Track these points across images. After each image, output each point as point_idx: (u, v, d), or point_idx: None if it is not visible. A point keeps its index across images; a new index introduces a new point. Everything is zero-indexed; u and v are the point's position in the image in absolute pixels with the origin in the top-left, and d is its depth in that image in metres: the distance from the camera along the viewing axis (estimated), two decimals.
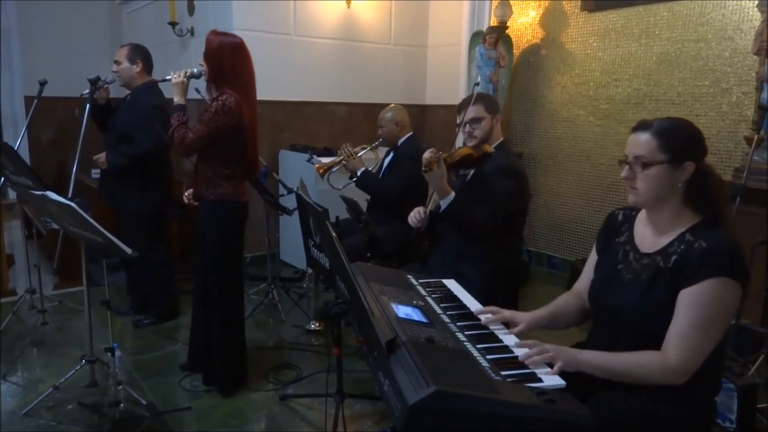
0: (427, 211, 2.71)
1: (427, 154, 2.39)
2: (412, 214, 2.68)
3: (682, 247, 1.54)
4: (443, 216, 2.55)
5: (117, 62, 3.50)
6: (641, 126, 1.61)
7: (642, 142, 1.57)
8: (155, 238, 3.64)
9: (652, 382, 1.49)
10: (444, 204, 2.49)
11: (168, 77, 2.75)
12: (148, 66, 3.56)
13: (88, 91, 3.11)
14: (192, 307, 3.04)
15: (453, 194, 2.48)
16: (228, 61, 2.65)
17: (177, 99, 2.69)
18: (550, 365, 1.49)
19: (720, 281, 1.45)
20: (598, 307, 1.74)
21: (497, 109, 2.72)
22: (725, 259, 1.46)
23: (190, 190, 2.95)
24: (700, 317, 1.46)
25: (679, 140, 1.56)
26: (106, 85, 3.37)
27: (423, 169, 2.37)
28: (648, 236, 1.66)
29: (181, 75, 2.69)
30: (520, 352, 1.56)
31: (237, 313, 2.90)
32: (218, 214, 2.75)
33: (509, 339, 1.68)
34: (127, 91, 3.59)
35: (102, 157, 3.46)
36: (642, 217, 1.72)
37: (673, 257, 1.55)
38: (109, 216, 3.63)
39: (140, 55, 3.52)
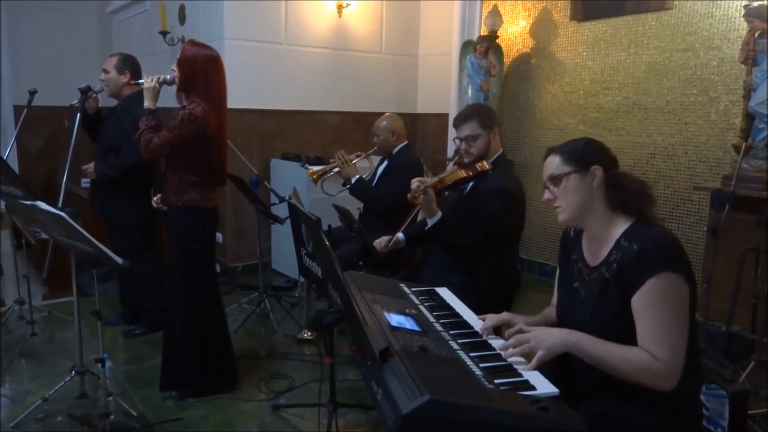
0: (394, 238, 2.86)
1: (414, 185, 2.45)
2: (377, 243, 2.90)
3: (620, 253, 1.58)
4: (428, 233, 2.57)
5: (105, 71, 3.49)
6: (548, 152, 1.76)
7: (549, 163, 1.72)
8: (147, 247, 3.62)
9: (637, 381, 1.48)
10: (430, 223, 2.52)
11: (140, 81, 2.79)
12: (136, 76, 3.51)
13: (77, 100, 3.10)
14: None
15: (439, 215, 2.51)
16: (201, 71, 2.69)
17: (147, 103, 2.72)
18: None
19: (660, 278, 1.48)
20: (566, 324, 1.75)
21: (493, 123, 2.67)
22: (657, 256, 1.50)
23: (159, 196, 3.00)
24: (658, 317, 1.48)
25: (578, 150, 1.69)
26: (95, 95, 3.36)
27: (409, 200, 2.46)
28: (592, 250, 1.71)
29: (153, 80, 2.72)
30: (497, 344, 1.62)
31: (210, 318, 2.89)
32: (186, 220, 2.78)
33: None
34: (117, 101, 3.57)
35: (91, 167, 3.45)
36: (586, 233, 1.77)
37: (614, 265, 1.58)
38: (99, 225, 3.60)
39: (129, 65, 3.51)
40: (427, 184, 2.47)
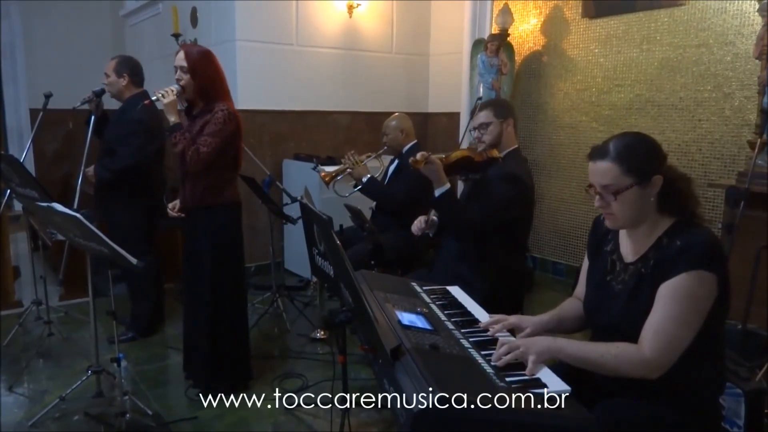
0: (429, 218, 2.77)
1: (418, 155, 2.47)
2: (414, 223, 2.79)
3: (660, 250, 1.56)
4: (434, 203, 2.58)
5: (106, 75, 3.51)
6: (597, 154, 1.59)
7: (605, 170, 1.56)
8: (143, 252, 3.50)
9: (626, 374, 1.48)
10: (438, 192, 2.53)
11: (154, 98, 2.71)
12: (135, 78, 3.52)
13: (80, 103, 3.19)
14: (184, 315, 3.03)
15: (448, 185, 2.52)
16: (214, 70, 2.74)
17: (173, 119, 2.68)
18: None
19: (695, 274, 1.46)
20: (594, 319, 1.75)
21: (508, 114, 2.71)
22: (700, 252, 1.48)
23: (175, 203, 2.96)
24: (675, 310, 1.47)
25: (640, 159, 1.55)
26: (97, 98, 3.37)
27: (410, 165, 2.48)
28: (630, 246, 1.68)
29: (169, 94, 2.67)
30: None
31: (245, 314, 3.01)
32: (227, 218, 2.83)
33: None
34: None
35: (91, 170, 3.45)
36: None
37: (652, 261, 1.57)
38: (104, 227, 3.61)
39: (127, 68, 3.50)
40: (432, 156, 2.50)
